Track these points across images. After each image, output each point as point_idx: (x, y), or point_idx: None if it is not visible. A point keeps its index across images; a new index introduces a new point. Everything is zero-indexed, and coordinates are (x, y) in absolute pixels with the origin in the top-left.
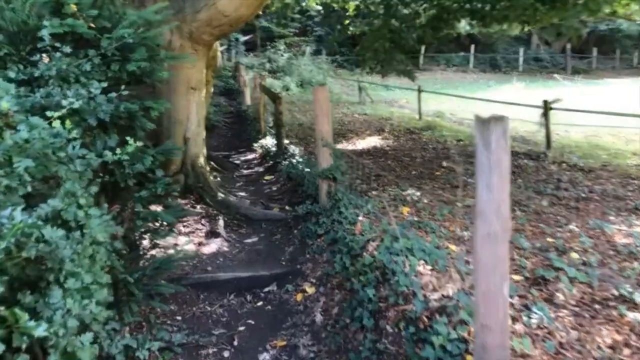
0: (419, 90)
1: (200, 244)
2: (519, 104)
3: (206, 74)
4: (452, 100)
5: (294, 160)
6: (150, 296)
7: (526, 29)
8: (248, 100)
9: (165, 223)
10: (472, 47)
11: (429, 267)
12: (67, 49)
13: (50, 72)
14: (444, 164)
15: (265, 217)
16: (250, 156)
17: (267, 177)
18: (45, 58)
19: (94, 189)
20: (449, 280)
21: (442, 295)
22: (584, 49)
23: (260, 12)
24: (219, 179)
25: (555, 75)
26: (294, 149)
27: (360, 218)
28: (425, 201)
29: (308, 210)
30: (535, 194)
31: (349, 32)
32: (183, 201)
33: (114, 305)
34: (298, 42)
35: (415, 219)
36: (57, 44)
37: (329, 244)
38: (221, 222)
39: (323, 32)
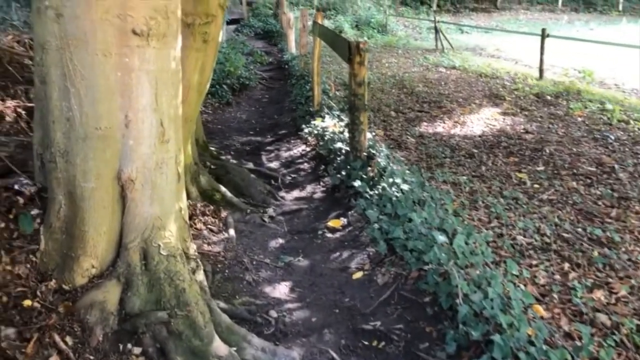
0: (543, 35)
1: None
2: None
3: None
4: (562, 47)
5: (395, 193)
6: None
7: None
8: (293, 47)
9: None
10: None
11: None
12: None
13: None
14: None
15: None
16: (296, 150)
17: (332, 223)
18: None
19: None
20: None
21: None
22: None
23: None
24: (231, 232)
25: None
26: (391, 164)
27: None
28: None
29: None
30: None
31: None
32: None
33: None
34: None
35: None
36: None
37: None
38: None
39: None
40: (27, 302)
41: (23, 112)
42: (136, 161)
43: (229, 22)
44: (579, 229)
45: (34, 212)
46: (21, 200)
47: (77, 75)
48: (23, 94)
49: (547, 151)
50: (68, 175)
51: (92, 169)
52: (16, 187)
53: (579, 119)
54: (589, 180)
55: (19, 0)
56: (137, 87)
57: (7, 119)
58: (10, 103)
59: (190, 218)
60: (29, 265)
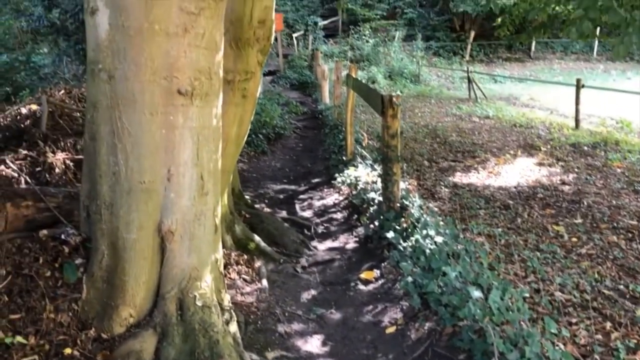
0: (578, 86)
1: None
2: None
3: (244, 58)
4: (599, 97)
5: (429, 245)
6: None
7: None
8: (327, 97)
9: None
10: (597, 30)
11: None
12: None
13: None
14: None
15: None
16: (329, 199)
17: (365, 275)
18: None
19: None
20: None
21: None
22: None
23: None
24: (264, 282)
25: None
26: (424, 215)
27: None
28: None
29: None
30: None
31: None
32: None
33: None
34: (386, 27)
35: None
36: None
37: None
38: None
39: (415, 13)
40: (68, 350)
41: (71, 164)
42: (176, 213)
43: (266, 74)
44: (621, 286)
45: (78, 261)
46: (66, 250)
47: (125, 132)
48: (72, 147)
49: (585, 203)
50: (112, 226)
51: (134, 221)
52: (62, 236)
53: (618, 170)
54: (630, 235)
55: (69, 55)
56: (180, 143)
57: (57, 170)
58: (60, 155)
59: (225, 267)
60: (71, 314)
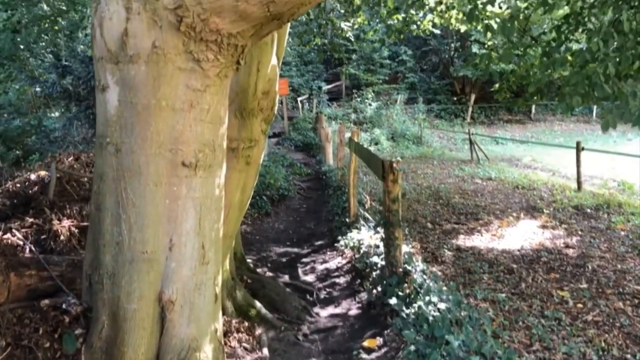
0: (578, 148)
1: None
2: None
3: (248, 127)
4: (600, 158)
5: (432, 312)
6: None
7: None
8: (330, 159)
9: None
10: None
11: None
12: None
13: None
14: None
15: None
16: (332, 262)
17: (368, 343)
18: None
19: None
20: None
21: None
22: None
23: (346, 59)
24: (265, 351)
25: None
26: (427, 280)
27: None
28: None
29: None
30: None
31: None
32: None
33: None
34: (388, 90)
35: None
36: None
37: None
38: None
39: (417, 78)
40: None
41: (76, 231)
42: (177, 283)
43: (271, 136)
44: (628, 355)
45: (78, 331)
46: (67, 320)
47: (129, 203)
48: (78, 213)
49: (590, 267)
50: (113, 296)
51: (135, 291)
52: (64, 306)
53: (622, 233)
54: (636, 301)
55: (80, 119)
56: (182, 213)
57: (62, 237)
58: (66, 222)
59: (225, 335)
60: None
